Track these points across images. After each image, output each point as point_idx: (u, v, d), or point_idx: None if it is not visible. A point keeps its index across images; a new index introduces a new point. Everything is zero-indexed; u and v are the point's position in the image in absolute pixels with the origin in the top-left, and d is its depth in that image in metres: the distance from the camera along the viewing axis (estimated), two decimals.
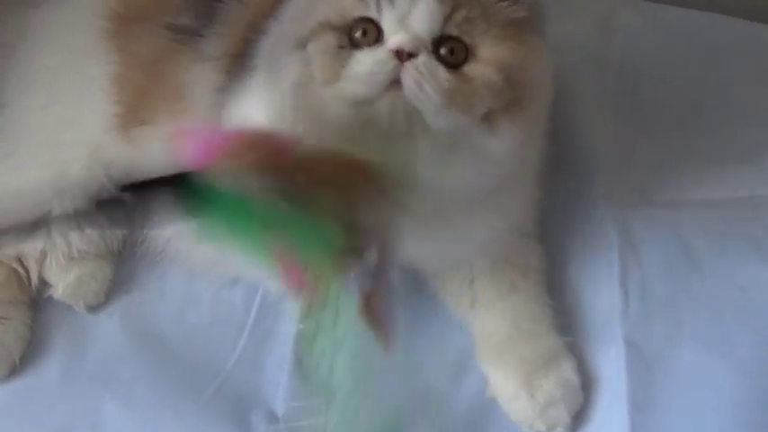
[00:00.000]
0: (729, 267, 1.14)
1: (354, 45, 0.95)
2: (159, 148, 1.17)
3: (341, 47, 0.95)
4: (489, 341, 1.11)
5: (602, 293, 1.14)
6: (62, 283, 1.23)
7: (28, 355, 1.19)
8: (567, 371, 1.09)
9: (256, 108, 1.04)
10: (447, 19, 0.94)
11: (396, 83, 0.93)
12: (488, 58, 0.95)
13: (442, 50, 0.94)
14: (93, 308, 1.23)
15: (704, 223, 1.19)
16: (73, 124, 1.22)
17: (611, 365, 1.09)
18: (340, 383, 0.93)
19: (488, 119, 0.96)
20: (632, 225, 1.19)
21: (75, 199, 1.21)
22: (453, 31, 0.94)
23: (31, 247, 1.23)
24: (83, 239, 1.24)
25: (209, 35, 1.16)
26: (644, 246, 1.17)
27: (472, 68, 0.95)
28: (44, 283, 1.24)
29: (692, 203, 1.23)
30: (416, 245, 1.01)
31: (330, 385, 1.08)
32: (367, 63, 0.94)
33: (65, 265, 1.23)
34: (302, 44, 0.98)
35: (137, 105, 1.19)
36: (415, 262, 1.09)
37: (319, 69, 0.96)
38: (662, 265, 1.15)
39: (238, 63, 1.11)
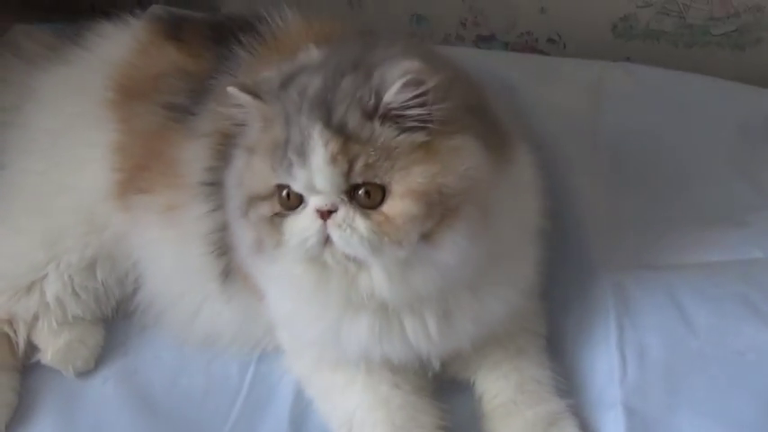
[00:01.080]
0: (726, 331, 1.14)
1: (286, 209, 0.99)
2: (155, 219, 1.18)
3: (274, 214, 0.99)
4: (494, 403, 1.11)
5: (600, 358, 1.14)
6: (51, 347, 1.22)
7: (20, 419, 1.18)
8: (569, 428, 1.08)
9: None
10: (348, 172, 0.95)
11: (327, 239, 0.97)
12: (402, 192, 0.95)
13: (359, 193, 0.96)
14: (83, 374, 1.22)
15: (700, 287, 1.19)
16: (70, 190, 1.22)
17: (610, 431, 1.08)
18: None
19: (427, 237, 0.97)
20: (628, 290, 1.19)
21: (70, 265, 1.21)
22: (358, 180, 0.96)
23: (24, 311, 1.22)
24: (78, 304, 1.23)
25: (202, 112, 1.17)
26: (640, 310, 1.17)
27: (390, 206, 0.96)
28: (32, 348, 1.23)
29: (686, 267, 1.23)
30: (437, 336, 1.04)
31: None
32: (297, 231, 0.98)
33: (56, 330, 1.22)
34: (244, 213, 1.02)
35: (135, 175, 1.20)
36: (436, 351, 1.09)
37: (264, 236, 1.00)
38: (658, 329, 1.15)
39: (227, 142, 1.12)
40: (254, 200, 1.00)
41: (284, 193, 0.98)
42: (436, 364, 1.10)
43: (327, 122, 0.95)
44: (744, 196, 1.34)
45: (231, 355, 1.21)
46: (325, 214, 0.96)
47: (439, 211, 0.95)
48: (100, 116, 1.22)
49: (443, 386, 1.14)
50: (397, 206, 0.95)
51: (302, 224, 0.97)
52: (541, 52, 1.64)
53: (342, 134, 0.95)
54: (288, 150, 0.96)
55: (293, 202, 0.98)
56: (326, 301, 1.01)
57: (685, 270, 1.22)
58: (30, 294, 1.22)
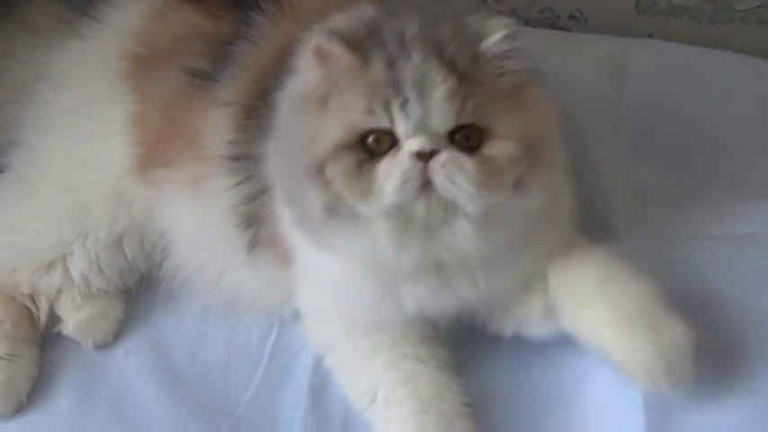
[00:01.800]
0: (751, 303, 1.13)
1: (372, 155, 0.97)
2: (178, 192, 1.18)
3: (360, 162, 0.97)
4: (583, 288, 1.07)
5: None
6: (73, 320, 1.22)
7: (41, 391, 1.18)
8: (681, 324, 1.03)
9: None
10: (460, 111, 0.96)
11: (427, 183, 0.96)
12: (504, 133, 0.98)
13: (457, 137, 0.97)
14: (101, 346, 1.23)
15: (724, 259, 1.19)
16: (94, 166, 1.22)
17: None
18: None
19: (518, 184, 0.99)
20: (651, 263, 1.16)
21: (97, 242, 1.21)
22: (467, 120, 0.97)
23: (48, 286, 1.22)
24: (102, 279, 1.23)
25: (224, 79, 1.16)
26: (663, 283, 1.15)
27: (492, 147, 0.97)
28: (54, 319, 1.23)
29: (711, 239, 1.22)
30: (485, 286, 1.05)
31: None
32: (395, 174, 0.96)
33: (78, 303, 1.22)
34: (318, 170, 0.98)
35: (156, 148, 1.19)
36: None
37: (347, 190, 0.97)
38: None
39: (251, 115, 1.12)
40: (336, 151, 0.97)
41: (371, 138, 0.97)
42: (484, 312, 1.10)
43: (442, 59, 0.96)
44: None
45: (251, 325, 1.21)
46: (428, 156, 0.95)
47: (531, 156, 0.99)
48: (116, 89, 1.21)
49: (463, 363, 1.13)
50: (498, 147, 0.97)
51: (401, 167, 0.96)
52: (563, 29, 1.63)
53: (455, 71, 0.96)
54: (404, 88, 0.95)
55: (383, 146, 0.97)
56: (402, 256, 1.00)
57: (710, 241, 1.21)
58: (53, 270, 1.22)
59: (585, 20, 1.62)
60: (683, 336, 1.02)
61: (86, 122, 1.23)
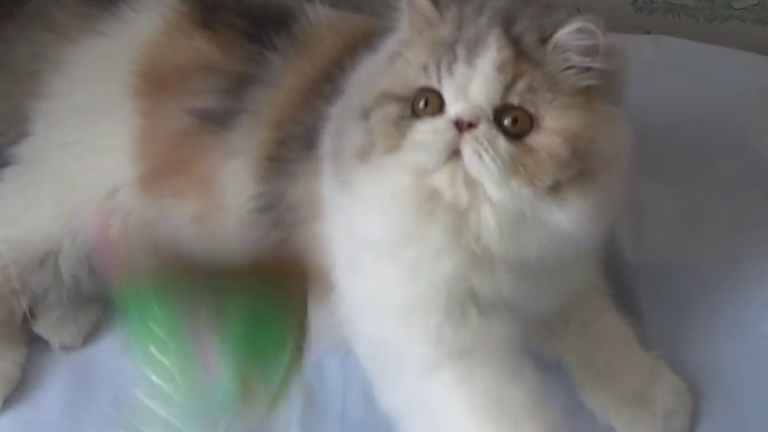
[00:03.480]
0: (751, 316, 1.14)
1: (416, 115, 0.94)
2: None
3: (403, 117, 0.94)
4: (589, 372, 1.10)
5: None
6: (44, 318, 1.21)
7: (32, 390, 1.18)
8: (671, 378, 1.09)
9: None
10: (508, 88, 0.92)
11: (456, 153, 0.92)
12: (553, 129, 0.92)
13: (506, 120, 0.92)
14: (68, 348, 1.21)
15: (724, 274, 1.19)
16: (93, 169, 1.19)
17: None
18: None
19: (555, 191, 0.93)
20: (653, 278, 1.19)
21: (86, 242, 1.19)
22: (515, 100, 0.92)
23: (37, 283, 1.20)
24: (93, 280, 1.21)
25: (239, 127, 1.13)
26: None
27: (536, 139, 0.92)
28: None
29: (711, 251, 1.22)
30: (517, 293, 1.00)
31: None
32: (427, 133, 0.93)
33: (54, 302, 1.21)
34: (366, 114, 0.97)
35: (162, 176, 1.16)
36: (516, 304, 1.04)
37: (381, 138, 0.95)
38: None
39: (272, 165, 1.10)
40: (385, 98, 0.95)
41: (423, 100, 0.94)
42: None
43: (506, 30, 0.93)
44: None
45: None
46: (465, 126, 0.91)
47: (578, 166, 0.93)
48: (123, 105, 1.18)
49: None
50: (544, 140, 0.92)
51: (435, 127, 0.92)
52: None
53: (516, 47, 0.92)
54: (456, 47, 0.93)
55: (431, 110, 0.93)
56: (429, 228, 0.95)
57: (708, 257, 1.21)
58: (44, 267, 1.20)
59: None
60: (686, 417, 1.08)
61: (90, 126, 1.20)
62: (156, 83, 1.18)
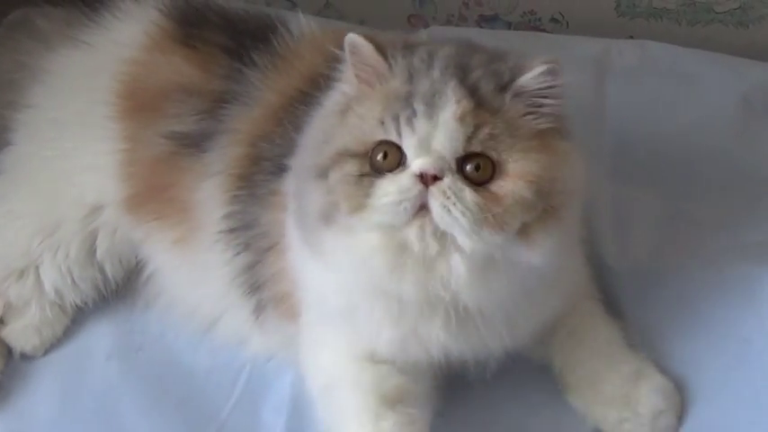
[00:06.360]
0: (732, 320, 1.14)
1: (376, 170, 0.94)
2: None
3: (362, 174, 0.94)
4: (576, 376, 1.10)
5: None
6: (10, 325, 1.21)
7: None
8: (657, 377, 1.09)
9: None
10: (470, 137, 0.92)
11: (423, 208, 0.92)
12: (517, 173, 0.92)
13: (468, 167, 0.92)
14: (29, 357, 1.21)
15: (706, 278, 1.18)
16: (73, 183, 1.19)
17: None
18: None
19: (524, 232, 0.93)
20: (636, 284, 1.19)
21: (67, 257, 1.19)
22: (477, 148, 0.92)
23: (16, 295, 1.20)
24: (76, 292, 1.21)
25: (215, 149, 1.13)
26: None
27: (500, 185, 0.92)
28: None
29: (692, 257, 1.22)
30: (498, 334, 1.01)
31: None
32: (392, 192, 0.92)
33: (21, 310, 1.20)
34: (323, 173, 0.96)
35: (142, 199, 1.16)
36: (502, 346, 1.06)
37: (343, 199, 0.94)
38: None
39: (245, 184, 1.10)
40: (342, 156, 0.95)
41: (381, 153, 0.93)
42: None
43: (462, 81, 0.93)
44: (753, 184, 1.31)
45: None
46: (429, 180, 0.91)
47: (542, 205, 0.93)
48: (106, 126, 1.17)
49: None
50: (508, 186, 0.92)
51: (400, 185, 0.92)
52: (545, 32, 1.63)
53: (474, 96, 0.93)
54: (414, 101, 0.92)
55: (390, 163, 0.93)
56: (400, 284, 0.95)
57: (692, 260, 1.21)
58: (24, 279, 1.20)
59: (567, 23, 1.62)
60: (674, 416, 1.08)
61: (73, 139, 1.19)
62: (137, 106, 1.17)
